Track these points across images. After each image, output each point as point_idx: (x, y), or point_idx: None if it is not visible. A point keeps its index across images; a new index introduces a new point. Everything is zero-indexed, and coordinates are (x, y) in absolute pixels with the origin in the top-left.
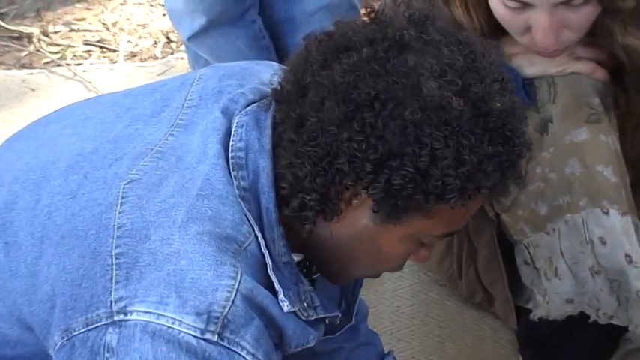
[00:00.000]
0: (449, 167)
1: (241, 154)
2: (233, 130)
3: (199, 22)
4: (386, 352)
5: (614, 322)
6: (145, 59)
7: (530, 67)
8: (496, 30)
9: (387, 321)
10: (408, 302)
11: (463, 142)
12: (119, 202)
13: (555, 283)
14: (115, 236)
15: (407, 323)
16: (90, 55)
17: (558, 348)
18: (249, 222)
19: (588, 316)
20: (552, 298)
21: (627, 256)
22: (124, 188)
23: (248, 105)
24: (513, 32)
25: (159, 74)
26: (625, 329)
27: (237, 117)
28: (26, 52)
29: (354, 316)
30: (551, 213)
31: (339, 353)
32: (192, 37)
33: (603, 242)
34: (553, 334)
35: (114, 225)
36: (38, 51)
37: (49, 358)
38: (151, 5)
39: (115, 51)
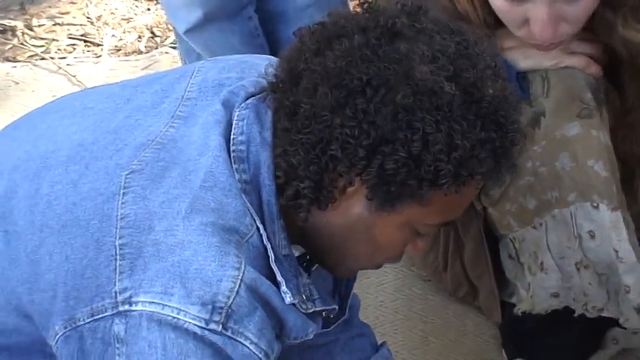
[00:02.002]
0: (441, 152)
1: (243, 147)
2: (234, 123)
3: (196, 14)
4: (379, 342)
5: (605, 314)
6: (129, 53)
7: (525, 60)
8: (498, 23)
9: (371, 316)
10: (391, 297)
11: (455, 127)
12: (121, 192)
13: (541, 277)
14: (119, 227)
15: (391, 318)
16: (74, 48)
17: (542, 343)
18: (251, 214)
19: (572, 311)
20: (537, 293)
21: (615, 251)
22: (126, 178)
23: (248, 97)
24: (511, 25)
25: (143, 68)
26: (610, 325)
27: (238, 110)
28: (10, 46)
29: (347, 310)
30: (539, 207)
31: (335, 345)
32: (189, 31)
33: (592, 236)
34: (536, 329)
35: (117, 215)
36: (22, 44)
37: (45, 347)
38: (135, 0)
39: (99, 45)
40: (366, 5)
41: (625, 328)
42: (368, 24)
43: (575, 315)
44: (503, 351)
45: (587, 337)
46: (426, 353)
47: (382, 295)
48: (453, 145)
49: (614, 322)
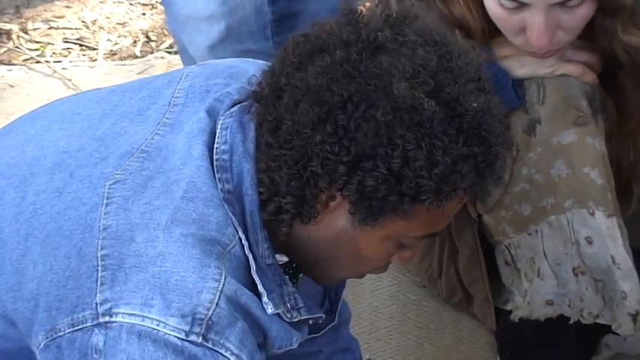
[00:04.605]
0: (422, 168)
1: (226, 156)
2: (218, 131)
3: (218, 27)
4: (365, 358)
5: (600, 321)
6: (125, 58)
7: (521, 68)
8: (495, 31)
9: (366, 321)
10: (386, 303)
11: (436, 143)
12: (104, 202)
13: (537, 283)
14: (101, 237)
15: (385, 324)
16: (69, 52)
17: (537, 350)
18: (234, 224)
19: (567, 319)
20: (533, 299)
21: (612, 257)
22: (109, 188)
23: (233, 105)
24: (507, 32)
25: (138, 73)
26: (604, 333)
27: (222, 118)
28: (5, 49)
29: (337, 316)
30: (534, 214)
31: (317, 357)
32: (213, 46)
33: (590, 242)
34: (532, 336)
35: (99, 226)
36: (17, 48)
37: (32, 354)
38: (131, 4)
39: (94, 49)
40: (350, 16)
41: (618, 335)
42: (350, 38)
43: (571, 322)
44: (498, 358)
45: (582, 345)
46: (421, 359)
47: (377, 300)
48: (434, 161)
49: (608, 329)
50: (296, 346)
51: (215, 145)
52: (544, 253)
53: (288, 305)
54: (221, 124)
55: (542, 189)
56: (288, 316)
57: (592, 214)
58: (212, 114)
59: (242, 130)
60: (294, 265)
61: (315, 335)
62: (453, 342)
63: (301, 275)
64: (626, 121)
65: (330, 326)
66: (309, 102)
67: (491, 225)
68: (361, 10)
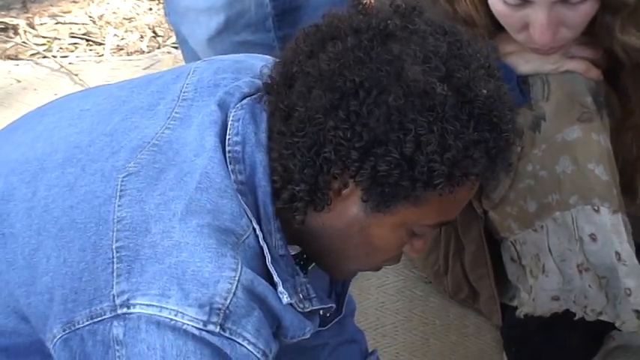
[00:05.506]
0: (434, 153)
1: (238, 147)
2: (229, 123)
3: (217, 19)
4: (371, 350)
5: (603, 318)
6: (131, 53)
7: (525, 64)
8: (499, 27)
9: (372, 317)
10: (392, 299)
11: (448, 127)
12: (118, 194)
13: (542, 280)
14: (115, 229)
15: (391, 319)
16: (76, 47)
17: (543, 345)
18: (247, 215)
19: (573, 315)
20: (539, 295)
21: (617, 253)
22: (122, 181)
23: (243, 98)
24: (511, 29)
25: (145, 68)
26: (610, 327)
27: (233, 110)
28: (12, 44)
29: (343, 308)
30: (540, 210)
31: (323, 349)
32: (211, 38)
33: (594, 239)
34: (538, 332)
35: (113, 218)
36: (24, 43)
37: (44, 348)
38: None
39: (101, 44)
40: (360, 6)
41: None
42: (361, 25)
43: (576, 318)
44: (504, 353)
45: (588, 340)
46: (427, 355)
47: (383, 296)
48: (446, 146)
49: (613, 326)
50: (308, 336)
51: (227, 137)
52: (549, 250)
53: (301, 295)
54: (232, 116)
55: (547, 185)
56: (301, 306)
57: (597, 211)
58: (223, 107)
59: (254, 121)
60: (304, 256)
61: (321, 329)
62: (459, 338)
63: (311, 267)
64: (626, 118)
65: (337, 318)
66: (321, 88)
67: (496, 221)
68: (369, 2)
